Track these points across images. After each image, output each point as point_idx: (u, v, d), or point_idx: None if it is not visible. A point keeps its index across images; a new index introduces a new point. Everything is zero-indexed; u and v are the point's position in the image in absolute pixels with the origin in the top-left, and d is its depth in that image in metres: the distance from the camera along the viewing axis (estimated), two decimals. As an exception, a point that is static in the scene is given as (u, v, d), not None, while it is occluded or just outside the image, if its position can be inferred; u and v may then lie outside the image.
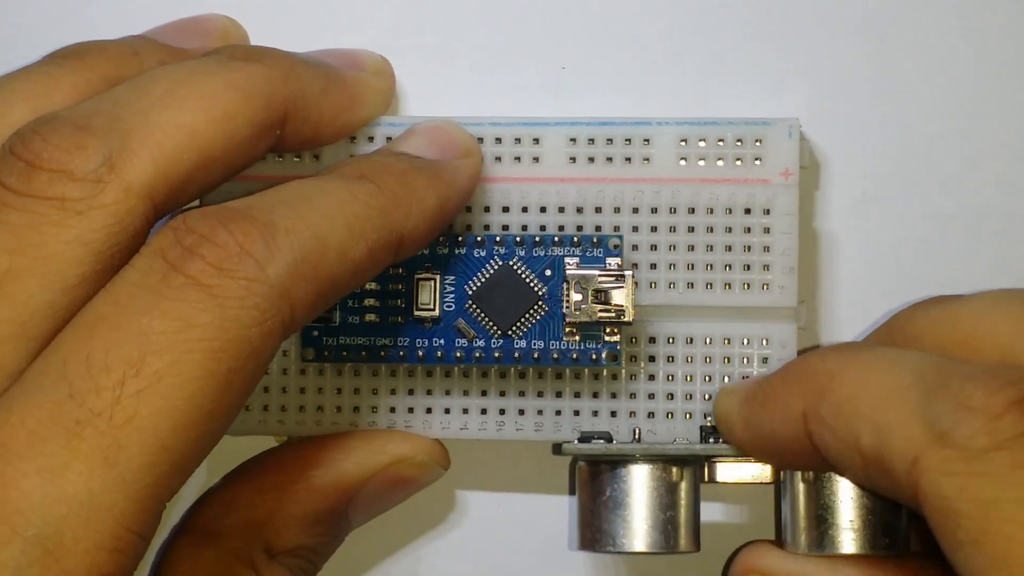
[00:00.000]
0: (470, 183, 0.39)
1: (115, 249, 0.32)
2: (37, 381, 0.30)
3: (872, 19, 0.42)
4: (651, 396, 0.40)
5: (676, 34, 0.43)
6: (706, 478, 0.39)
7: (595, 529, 0.38)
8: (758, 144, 0.40)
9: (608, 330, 0.39)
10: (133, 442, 0.29)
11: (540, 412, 0.41)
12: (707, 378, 0.40)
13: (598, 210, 0.40)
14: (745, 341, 0.40)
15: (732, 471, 0.39)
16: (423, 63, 0.43)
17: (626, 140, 0.40)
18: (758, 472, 0.38)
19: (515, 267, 0.40)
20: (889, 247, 0.42)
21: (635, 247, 0.40)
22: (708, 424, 0.40)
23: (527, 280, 0.40)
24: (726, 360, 0.40)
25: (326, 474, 0.38)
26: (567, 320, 0.39)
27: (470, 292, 0.40)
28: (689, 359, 0.40)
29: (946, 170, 0.42)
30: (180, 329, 0.30)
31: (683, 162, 0.40)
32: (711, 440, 0.39)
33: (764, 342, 0.40)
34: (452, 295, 0.40)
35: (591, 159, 0.41)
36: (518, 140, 0.41)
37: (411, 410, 0.41)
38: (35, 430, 0.29)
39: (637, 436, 0.39)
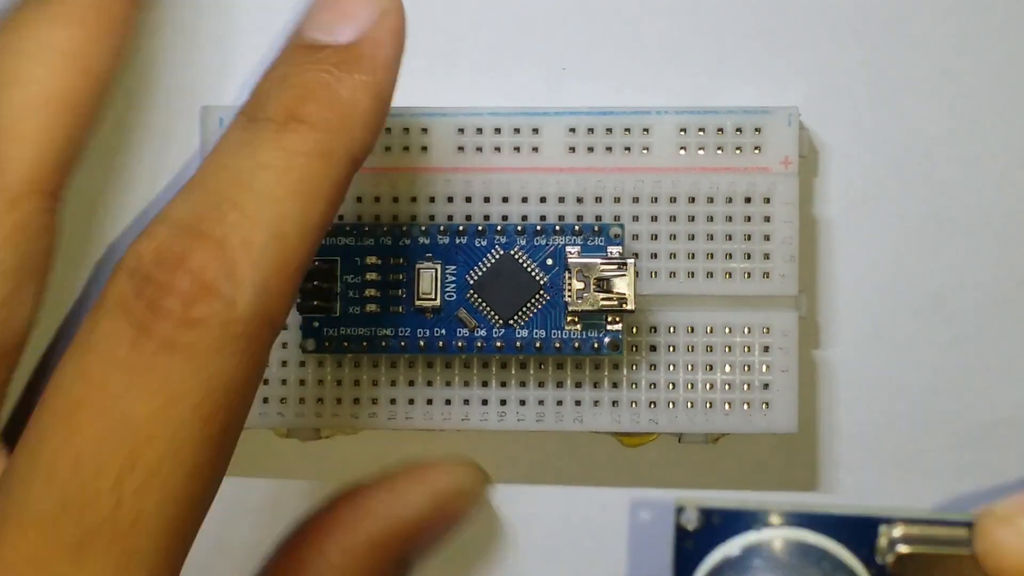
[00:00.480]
0: (397, 49, 0.33)
1: None
2: (25, 492, 0.28)
3: (872, 18, 0.43)
4: (652, 385, 0.40)
5: (676, 32, 0.43)
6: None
7: None
8: (757, 133, 0.40)
9: (610, 318, 0.39)
10: (142, 542, 0.27)
11: (541, 403, 0.40)
12: (709, 367, 0.40)
13: (598, 200, 0.40)
14: (746, 330, 0.40)
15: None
16: (423, 61, 0.43)
17: (625, 130, 0.40)
18: None
19: (516, 256, 0.40)
20: (889, 236, 0.43)
21: (636, 236, 0.40)
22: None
23: (528, 269, 0.40)
24: (727, 349, 0.40)
25: (384, 527, 0.37)
26: (569, 309, 0.39)
27: (471, 281, 0.40)
28: (690, 348, 0.40)
29: (946, 167, 0.43)
30: (166, 406, 0.28)
31: (683, 151, 0.40)
32: None
33: (765, 331, 0.40)
34: (453, 285, 0.40)
35: (590, 149, 0.41)
36: (517, 130, 0.41)
37: (411, 401, 0.41)
38: (35, 555, 0.27)
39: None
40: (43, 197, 0.30)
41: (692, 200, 0.40)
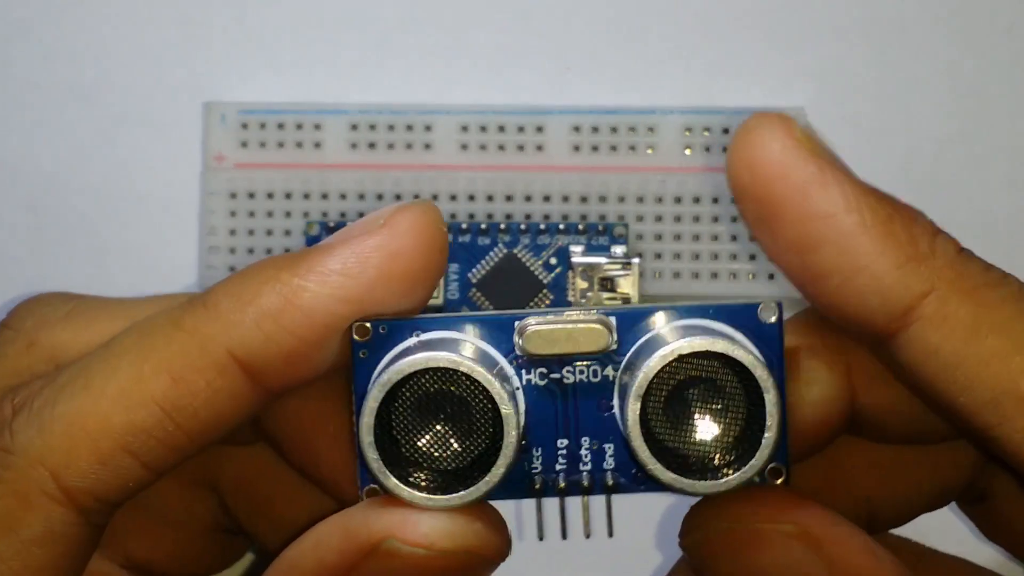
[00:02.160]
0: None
1: None
2: None
3: (878, 20, 0.42)
4: (656, 386, 0.40)
5: (681, 32, 0.43)
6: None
7: None
8: (763, 133, 0.40)
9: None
10: None
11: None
12: (712, 368, 0.40)
13: (602, 199, 0.40)
14: (750, 331, 0.40)
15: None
16: (427, 60, 0.43)
17: (630, 129, 0.40)
18: None
19: (520, 255, 0.40)
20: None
21: (640, 236, 0.40)
22: None
23: (531, 268, 0.39)
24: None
25: None
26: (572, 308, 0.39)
27: (474, 280, 0.39)
28: (694, 349, 0.40)
29: (951, 168, 0.42)
30: None
31: (688, 151, 0.40)
32: None
33: (769, 332, 0.40)
34: (456, 283, 0.39)
35: (595, 148, 0.40)
36: (521, 129, 0.40)
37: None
38: None
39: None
40: (76, 511, 0.29)
41: (697, 200, 0.40)
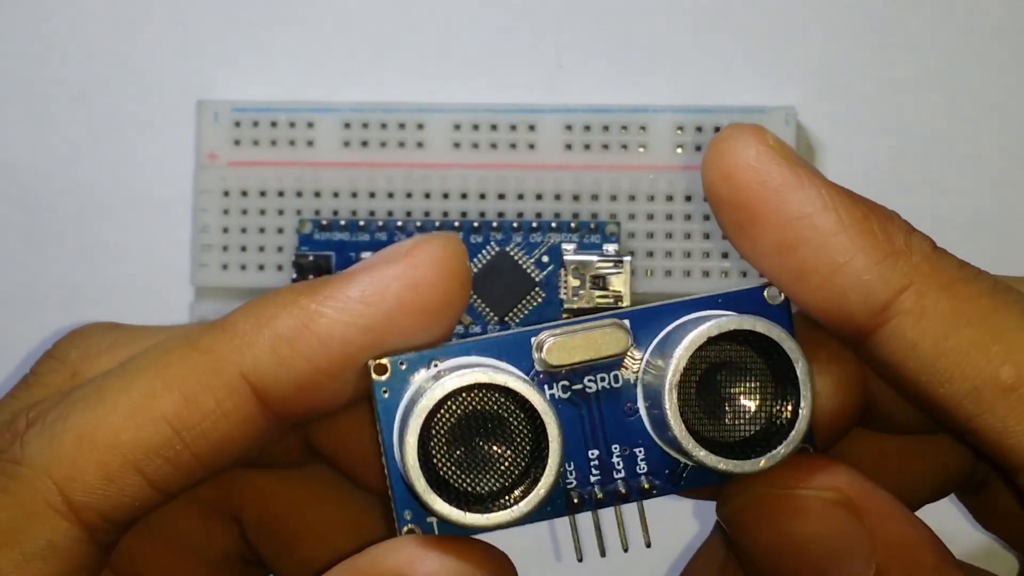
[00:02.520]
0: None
1: None
2: None
3: (869, 19, 0.43)
4: (647, 384, 0.40)
5: (673, 31, 0.43)
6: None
7: None
8: (755, 132, 0.40)
9: (606, 316, 0.39)
10: None
11: (536, 400, 0.40)
12: (704, 366, 0.40)
13: (594, 197, 0.40)
14: (742, 329, 0.40)
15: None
16: (420, 59, 0.43)
17: (622, 127, 0.40)
18: None
19: (512, 253, 0.40)
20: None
21: (632, 235, 0.40)
22: None
23: (523, 266, 0.40)
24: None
25: None
26: (564, 306, 0.39)
27: (466, 278, 0.39)
28: (686, 347, 0.40)
29: (943, 167, 0.42)
30: None
31: (679, 150, 0.40)
32: None
33: (760, 330, 0.40)
34: (448, 281, 0.39)
35: (587, 146, 0.40)
36: (513, 127, 0.41)
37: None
38: None
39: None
40: (81, 528, 0.28)
41: (689, 199, 0.40)
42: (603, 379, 0.27)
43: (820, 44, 0.42)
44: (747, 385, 0.26)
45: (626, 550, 0.28)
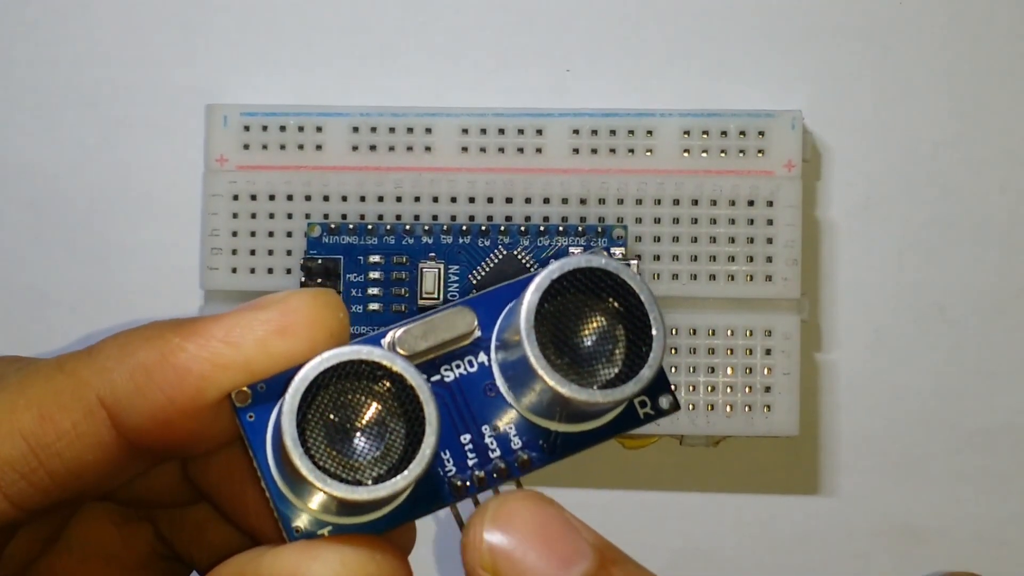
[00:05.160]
0: None
1: None
2: None
3: (876, 23, 0.43)
4: (654, 387, 0.40)
5: (680, 35, 0.43)
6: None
7: None
8: (761, 136, 0.40)
9: (613, 319, 0.39)
10: None
11: (543, 403, 0.40)
12: (710, 369, 0.40)
13: (601, 201, 0.40)
14: (748, 333, 0.40)
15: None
16: (428, 63, 0.43)
17: (629, 131, 0.41)
18: None
19: (519, 256, 0.40)
20: (891, 240, 0.43)
21: (639, 238, 0.40)
22: None
23: (531, 270, 0.40)
24: (729, 352, 0.40)
25: None
26: (572, 309, 0.39)
27: (474, 281, 0.40)
28: (692, 350, 0.40)
29: (949, 171, 0.43)
30: None
31: (686, 154, 0.40)
32: None
33: (767, 334, 0.40)
34: (456, 284, 0.40)
35: (594, 150, 0.41)
36: (521, 131, 0.41)
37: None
38: None
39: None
40: None
41: (695, 203, 0.40)
42: (458, 366, 0.27)
43: (826, 48, 0.43)
44: (597, 325, 0.26)
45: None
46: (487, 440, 0.27)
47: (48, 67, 0.44)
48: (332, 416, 0.26)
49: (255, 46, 0.43)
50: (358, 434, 0.26)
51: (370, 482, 0.25)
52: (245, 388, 0.26)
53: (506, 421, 0.27)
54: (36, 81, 0.44)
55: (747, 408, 0.40)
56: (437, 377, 0.27)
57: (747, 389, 0.40)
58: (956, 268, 0.42)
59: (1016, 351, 0.43)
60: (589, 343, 0.26)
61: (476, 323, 0.27)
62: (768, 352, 0.40)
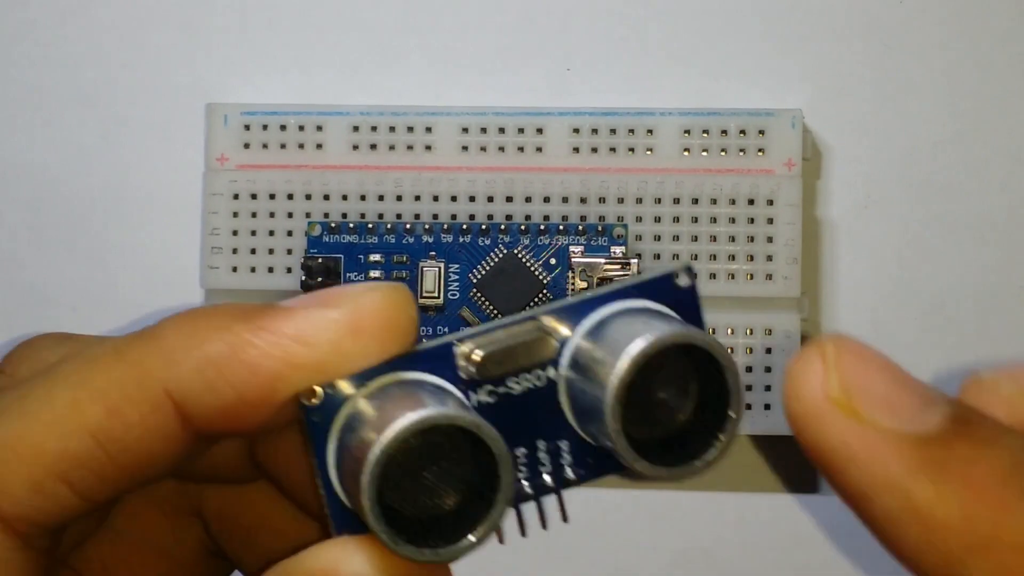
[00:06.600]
0: None
1: None
2: None
3: (876, 22, 0.43)
4: (655, 386, 0.40)
5: (680, 34, 0.43)
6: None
7: None
8: (761, 135, 0.40)
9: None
10: None
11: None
12: (711, 368, 0.40)
13: (602, 200, 0.40)
14: (748, 331, 0.40)
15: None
16: (428, 62, 0.43)
17: (629, 130, 0.41)
18: None
19: (520, 255, 0.40)
20: (892, 239, 0.43)
21: (639, 237, 0.40)
22: None
23: (531, 268, 0.40)
24: (729, 350, 0.40)
25: None
26: (572, 308, 0.39)
27: (474, 280, 0.40)
28: (693, 349, 0.40)
29: (949, 170, 0.43)
30: None
31: (686, 153, 0.41)
32: None
33: (767, 332, 0.40)
34: (456, 283, 0.40)
35: (594, 149, 0.41)
36: (521, 130, 0.41)
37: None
38: None
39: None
40: (13, 536, 0.28)
41: (695, 201, 0.40)
42: (527, 379, 0.26)
43: (827, 47, 0.43)
44: (676, 387, 0.26)
45: (544, 527, 0.28)
46: (539, 454, 0.26)
47: (48, 67, 0.44)
48: (408, 475, 0.25)
49: (255, 46, 0.43)
50: (430, 490, 0.25)
51: (439, 547, 0.25)
52: (317, 388, 0.26)
53: (561, 438, 0.26)
54: (36, 81, 0.44)
55: (747, 407, 0.40)
56: (504, 389, 0.26)
57: (747, 388, 0.40)
58: (956, 267, 0.42)
59: (1016, 350, 0.43)
60: (662, 416, 0.26)
61: (557, 348, 0.26)
62: (768, 351, 0.40)
